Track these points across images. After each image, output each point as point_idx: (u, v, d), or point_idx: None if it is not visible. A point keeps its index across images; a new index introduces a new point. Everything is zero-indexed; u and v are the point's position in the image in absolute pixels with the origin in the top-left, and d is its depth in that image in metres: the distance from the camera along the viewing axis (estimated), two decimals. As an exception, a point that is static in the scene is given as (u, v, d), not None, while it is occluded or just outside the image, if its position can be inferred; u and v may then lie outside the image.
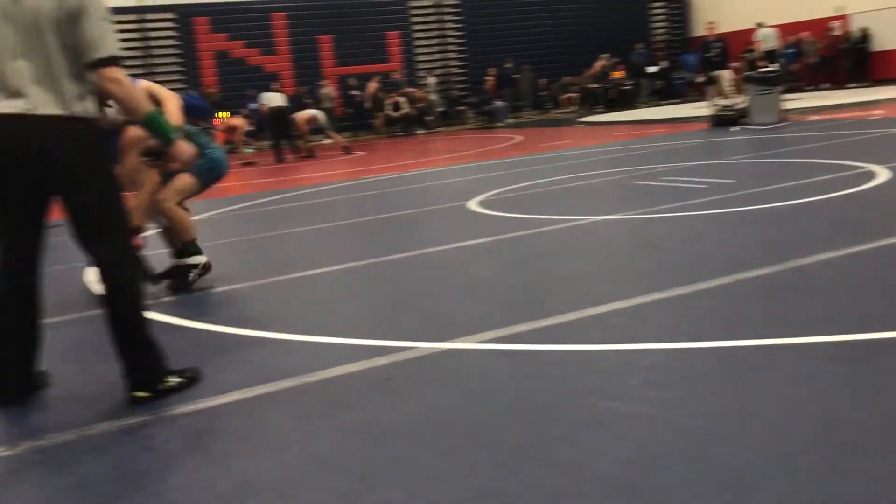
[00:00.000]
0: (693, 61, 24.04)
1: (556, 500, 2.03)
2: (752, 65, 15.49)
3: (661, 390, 2.65)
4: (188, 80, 21.92)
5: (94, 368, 3.47)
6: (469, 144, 15.83)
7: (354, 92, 21.88)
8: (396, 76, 22.39)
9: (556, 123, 20.16)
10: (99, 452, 2.59)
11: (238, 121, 16.24)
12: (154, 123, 3.02)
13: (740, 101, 13.58)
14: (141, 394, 2.96)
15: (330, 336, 3.61)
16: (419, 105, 22.01)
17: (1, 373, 3.06)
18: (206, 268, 4.81)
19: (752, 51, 17.63)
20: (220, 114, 17.08)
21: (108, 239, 2.95)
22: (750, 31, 18.64)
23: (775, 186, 6.58)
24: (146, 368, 2.97)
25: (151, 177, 4.79)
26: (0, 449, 2.70)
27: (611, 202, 6.74)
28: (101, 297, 2.99)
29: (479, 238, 5.64)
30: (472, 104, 23.18)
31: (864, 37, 21.21)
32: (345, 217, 7.40)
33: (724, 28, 14.86)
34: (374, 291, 4.56)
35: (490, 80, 22.47)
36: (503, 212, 6.68)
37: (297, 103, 18.18)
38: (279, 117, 15.64)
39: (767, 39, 15.20)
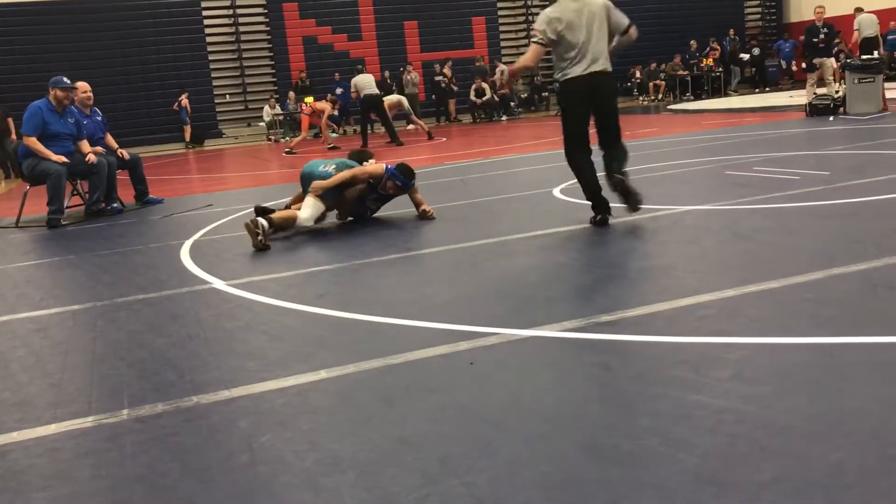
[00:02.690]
0: (788, 48, 23.24)
1: (642, 492, 2.01)
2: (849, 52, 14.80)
3: (752, 385, 2.59)
4: (277, 66, 22.38)
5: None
6: (553, 131, 15.68)
7: (438, 78, 21.93)
8: (480, 63, 22.35)
9: (643, 111, 19.79)
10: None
11: (324, 105, 16.48)
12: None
13: (838, 90, 13.08)
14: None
15: (414, 319, 3.65)
16: (502, 91, 21.92)
17: (597, 198, 5.48)
18: None
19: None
20: (307, 98, 17.37)
21: (616, 132, 5.46)
22: (850, 18, 17.87)
23: (873, 179, 6.32)
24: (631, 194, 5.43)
25: None
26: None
27: (700, 192, 6.59)
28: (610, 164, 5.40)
29: (564, 226, 5.60)
30: (556, 90, 22.95)
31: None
32: (428, 202, 7.42)
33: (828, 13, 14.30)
34: (458, 277, 4.58)
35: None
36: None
37: (382, 89, 18.36)
38: (370, 104, 15.74)
39: (865, 26, 14.48)
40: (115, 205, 8.69)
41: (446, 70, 21.67)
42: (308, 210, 6.16)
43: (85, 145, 8.42)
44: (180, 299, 4.51)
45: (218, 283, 4.75)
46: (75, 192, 8.96)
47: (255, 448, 2.47)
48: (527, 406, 2.60)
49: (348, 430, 2.54)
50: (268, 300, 4.24)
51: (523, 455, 2.26)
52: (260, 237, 5.66)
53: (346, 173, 6.27)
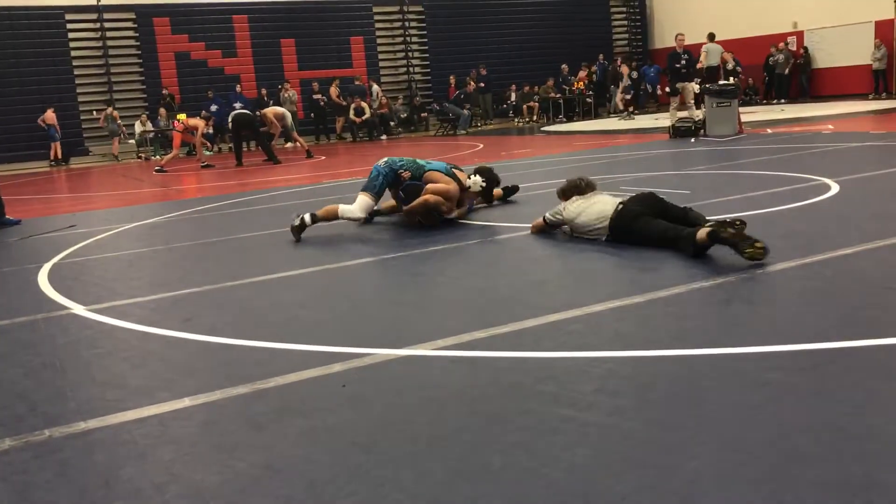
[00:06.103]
0: (653, 73, 24.32)
1: (509, 509, 2.02)
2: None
3: (615, 398, 2.66)
4: (147, 81, 21.64)
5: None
6: (431, 151, 15.81)
7: (317, 96, 21.76)
8: (359, 82, 22.34)
9: (518, 132, 20.26)
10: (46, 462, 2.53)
11: (198, 122, 16.03)
12: None
13: (698, 114, 13.79)
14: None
15: (285, 342, 3.56)
16: (382, 111, 21.99)
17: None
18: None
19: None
20: (179, 116, 16.86)
21: None
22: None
23: (730, 197, 6.67)
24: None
25: None
26: None
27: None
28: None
29: (438, 245, 5.63)
30: (434, 111, 23.18)
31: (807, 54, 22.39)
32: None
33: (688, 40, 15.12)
34: (331, 297, 4.52)
35: (452, 87, 22.48)
36: (463, 218, 6.67)
37: (259, 106, 18.08)
38: (241, 123, 15.50)
39: (712, 55, 15.37)
40: None
41: (334, 88, 21.56)
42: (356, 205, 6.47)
43: None
44: (35, 326, 4.25)
45: (77, 309, 4.51)
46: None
47: (111, 483, 2.34)
48: (398, 427, 2.58)
49: (212, 459, 2.45)
50: (131, 325, 4.05)
51: (392, 477, 2.23)
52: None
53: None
